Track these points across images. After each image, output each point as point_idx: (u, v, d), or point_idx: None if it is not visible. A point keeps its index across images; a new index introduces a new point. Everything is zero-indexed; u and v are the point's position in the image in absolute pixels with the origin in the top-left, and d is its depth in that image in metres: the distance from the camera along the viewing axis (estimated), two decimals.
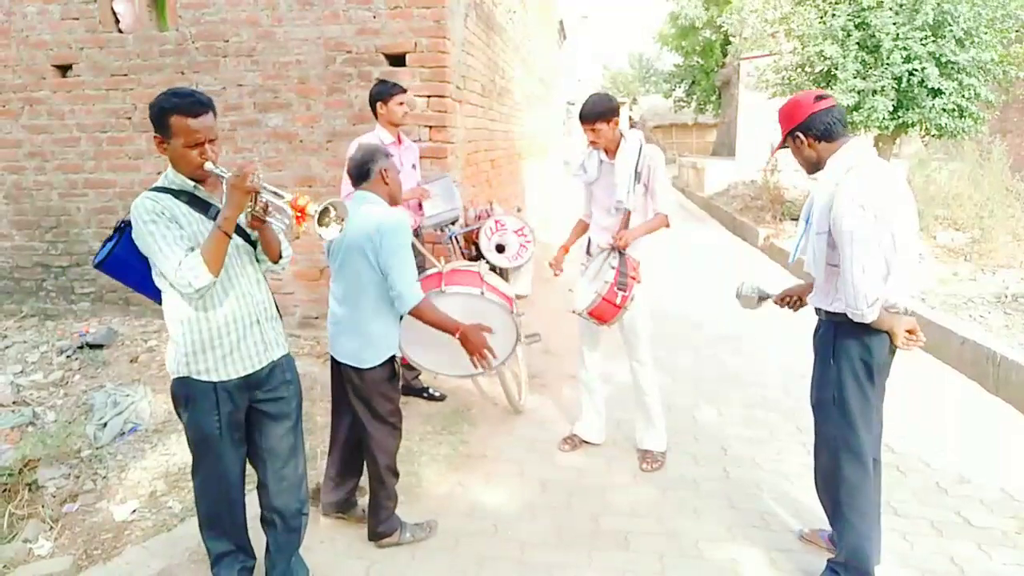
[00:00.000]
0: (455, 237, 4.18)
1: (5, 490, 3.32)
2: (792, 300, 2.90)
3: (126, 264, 2.40)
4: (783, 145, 2.55)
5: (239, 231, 2.32)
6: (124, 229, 2.35)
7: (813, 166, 2.51)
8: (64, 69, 5.66)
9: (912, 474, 3.61)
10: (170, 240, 2.13)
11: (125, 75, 5.57)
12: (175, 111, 2.14)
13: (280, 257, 2.44)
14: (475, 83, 6.43)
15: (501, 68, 8.02)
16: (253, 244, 2.39)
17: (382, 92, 4.18)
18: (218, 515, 2.52)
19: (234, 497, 2.51)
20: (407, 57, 5.25)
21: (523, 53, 10.21)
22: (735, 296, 3.07)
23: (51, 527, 3.17)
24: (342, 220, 2.21)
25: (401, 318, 2.85)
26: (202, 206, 2.25)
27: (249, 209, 2.18)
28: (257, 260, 2.43)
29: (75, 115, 5.68)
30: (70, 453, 3.69)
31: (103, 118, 5.66)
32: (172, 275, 2.11)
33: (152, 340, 5.34)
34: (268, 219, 2.22)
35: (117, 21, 5.55)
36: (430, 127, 5.33)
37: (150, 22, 5.58)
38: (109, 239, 2.43)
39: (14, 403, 4.29)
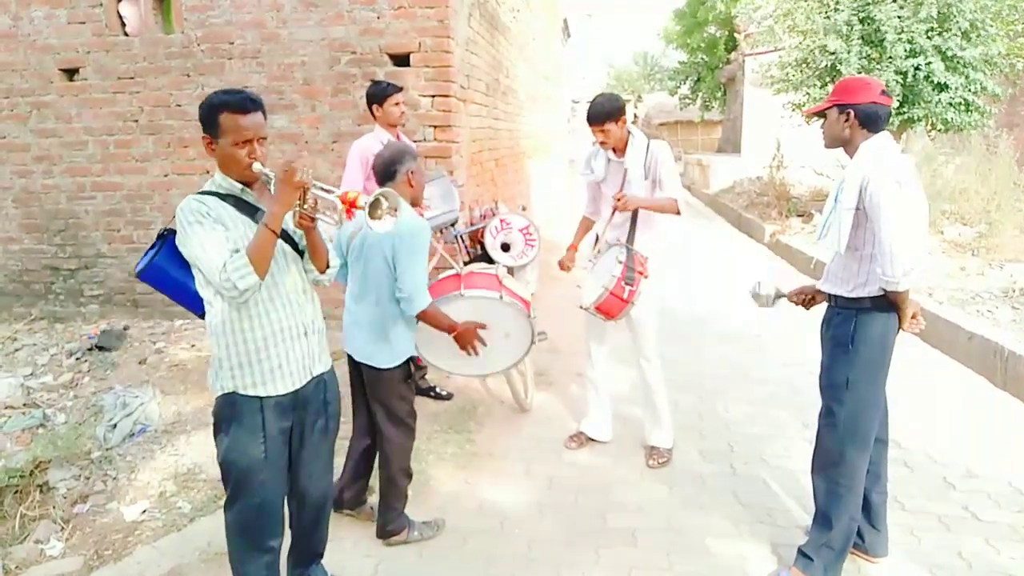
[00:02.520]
0: (460, 236, 4.18)
1: (16, 491, 3.35)
2: (806, 298, 2.91)
3: (166, 273, 2.34)
4: (823, 111, 2.61)
5: (287, 238, 2.25)
6: (167, 237, 2.30)
7: (837, 142, 2.60)
8: (71, 73, 5.69)
9: (919, 469, 3.61)
10: (215, 241, 2.03)
11: (131, 78, 5.61)
12: (225, 108, 2.09)
13: (328, 267, 2.35)
14: (479, 82, 6.44)
15: (505, 67, 8.03)
16: (301, 253, 2.31)
17: (377, 93, 4.16)
18: (252, 554, 2.34)
19: (274, 531, 2.35)
20: (411, 57, 5.26)
21: (527, 52, 10.21)
22: (751, 295, 3.04)
23: (62, 528, 3.20)
24: (395, 211, 2.13)
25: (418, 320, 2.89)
26: (249, 209, 2.17)
27: (298, 207, 2.08)
28: (304, 270, 2.33)
29: (82, 119, 5.72)
30: (80, 454, 3.72)
31: (110, 121, 5.69)
32: (216, 277, 2.00)
33: (160, 342, 5.38)
34: (318, 216, 2.13)
35: (123, 24, 5.60)
36: (435, 127, 5.34)
37: (156, 25, 5.63)
38: (151, 247, 2.36)
39: (25, 405, 4.33)
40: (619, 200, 3.48)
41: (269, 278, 2.15)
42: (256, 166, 2.12)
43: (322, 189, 2.12)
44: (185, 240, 2.08)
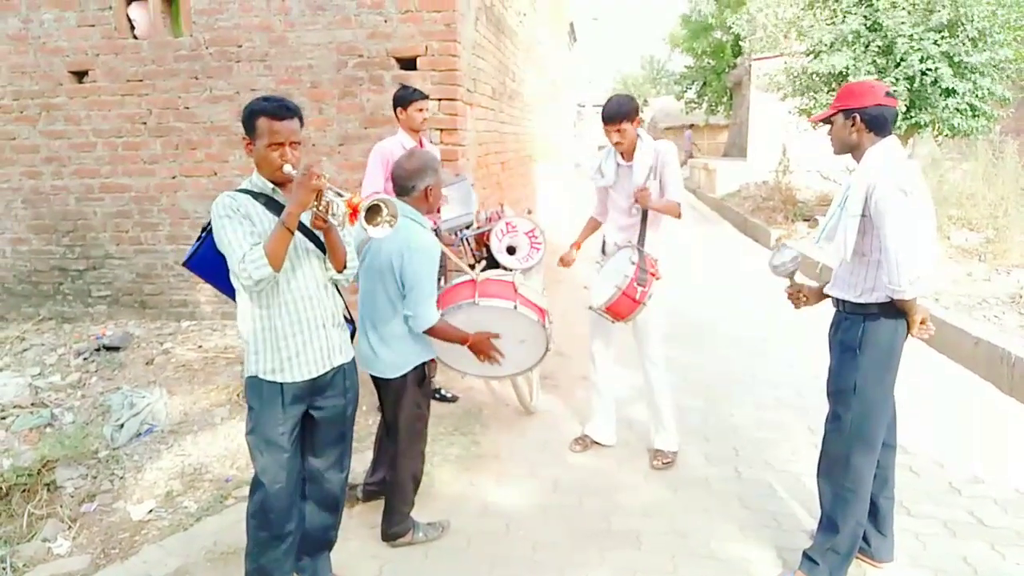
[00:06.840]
0: (467, 239, 4.19)
1: (24, 490, 3.37)
2: (800, 297, 2.88)
3: (210, 264, 2.50)
4: (829, 117, 2.60)
5: (312, 237, 2.38)
6: (212, 231, 2.41)
7: (845, 148, 2.58)
8: (80, 75, 5.73)
9: (925, 474, 3.60)
10: (240, 235, 2.20)
11: (140, 81, 5.64)
12: (263, 113, 2.26)
13: (345, 267, 2.45)
14: (486, 86, 6.46)
15: (511, 71, 8.05)
16: (324, 251, 2.42)
17: (403, 98, 4.21)
18: (271, 541, 2.43)
19: (291, 515, 2.46)
20: (418, 61, 5.28)
21: (533, 55, 10.23)
22: (770, 261, 2.91)
23: (69, 526, 3.22)
24: (394, 218, 2.23)
25: None
26: (278, 209, 2.30)
27: (313, 208, 2.21)
28: (325, 267, 2.45)
29: (91, 120, 5.76)
30: (87, 454, 3.75)
31: (119, 123, 5.73)
32: (236, 267, 2.17)
33: (167, 343, 5.40)
34: (330, 219, 2.25)
35: (132, 28, 5.64)
36: (441, 130, 5.36)
37: (164, 28, 5.67)
38: (197, 239, 2.54)
39: (32, 405, 4.36)
40: (641, 192, 3.50)
41: (290, 272, 2.31)
42: (286, 168, 2.26)
43: (336, 193, 2.23)
44: (216, 233, 2.26)
